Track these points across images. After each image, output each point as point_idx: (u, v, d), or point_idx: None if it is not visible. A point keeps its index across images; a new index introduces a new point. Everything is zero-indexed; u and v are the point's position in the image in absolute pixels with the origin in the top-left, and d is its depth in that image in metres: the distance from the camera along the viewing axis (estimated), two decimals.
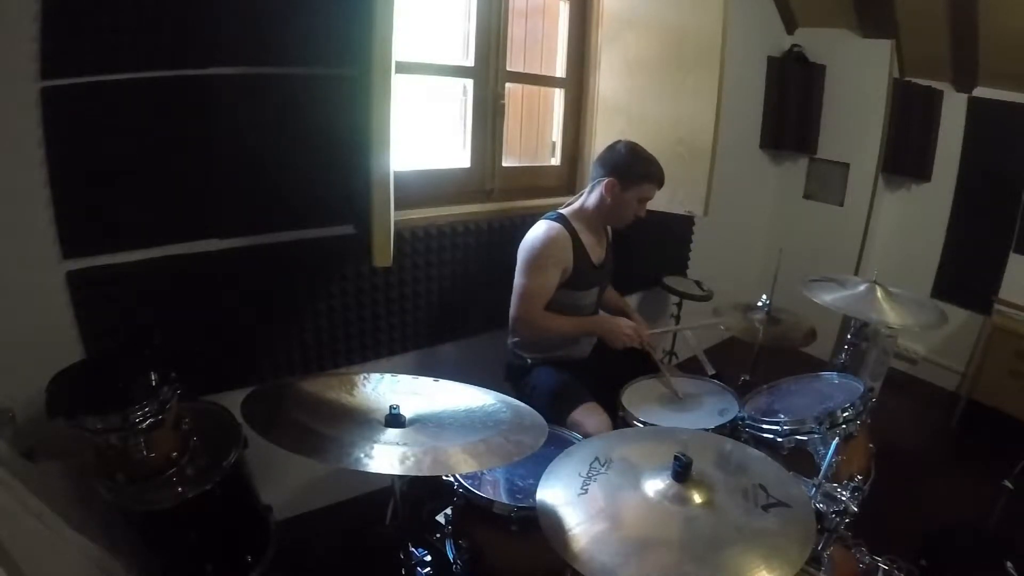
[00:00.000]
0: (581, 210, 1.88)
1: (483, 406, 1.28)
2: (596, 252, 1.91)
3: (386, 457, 1.03)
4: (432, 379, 1.38)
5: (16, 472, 1.10)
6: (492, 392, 1.34)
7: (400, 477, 1.24)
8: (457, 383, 1.37)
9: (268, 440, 1.06)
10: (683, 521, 0.96)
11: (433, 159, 2.20)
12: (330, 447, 1.05)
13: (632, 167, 1.80)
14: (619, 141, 1.87)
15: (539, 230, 1.81)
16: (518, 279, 1.80)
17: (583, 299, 1.89)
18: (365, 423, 1.17)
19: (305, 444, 1.05)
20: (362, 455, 1.03)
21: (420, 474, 1.03)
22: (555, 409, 1.67)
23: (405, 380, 1.37)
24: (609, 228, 2.02)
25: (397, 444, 1.08)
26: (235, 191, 1.64)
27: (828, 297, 1.91)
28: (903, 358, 3.31)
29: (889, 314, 1.86)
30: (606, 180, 1.81)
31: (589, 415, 1.66)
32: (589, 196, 1.88)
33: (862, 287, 1.96)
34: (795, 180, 3.50)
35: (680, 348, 2.73)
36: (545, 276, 1.77)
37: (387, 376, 1.36)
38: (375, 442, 1.08)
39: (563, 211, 1.88)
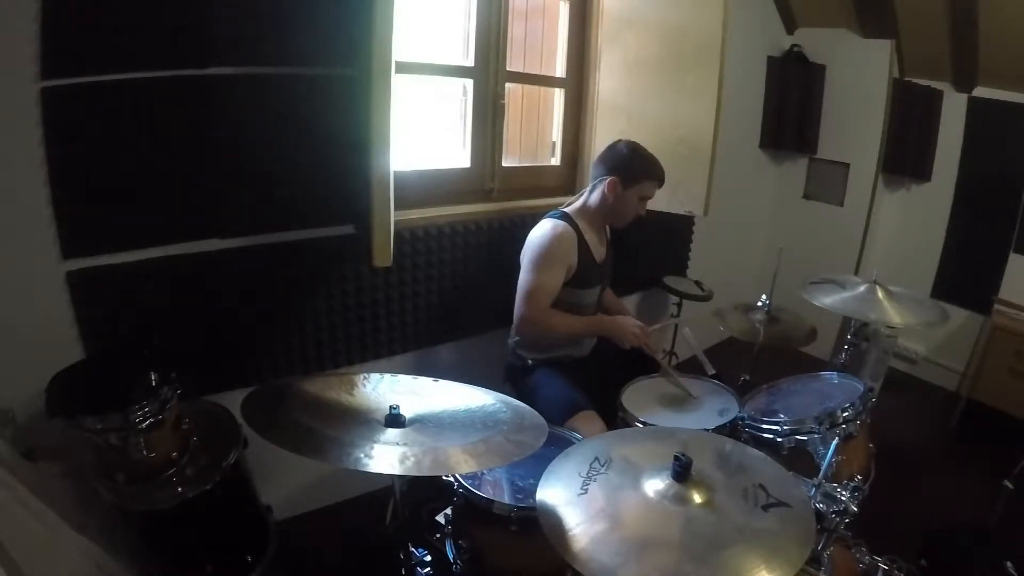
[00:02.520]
0: (584, 209, 1.89)
1: (483, 406, 1.28)
2: (598, 250, 1.92)
3: (386, 457, 1.03)
4: (432, 379, 1.37)
5: (16, 472, 1.10)
6: (492, 392, 1.34)
7: (400, 477, 1.24)
8: (457, 383, 1.37)
9: (268, 440, 1.06)
10: (683, 521, 0.96)
11: (433, 159, 2.20)
12: (330, 447, 1.05)
13: (633, 165, 1.81)
14: (620, 140, 1.88)
15: (545, 227, 1.82)
16: (524, 277, 1.80)
17: (586, 297, 1.89)
18: (365, 423, 1.17)
19: (305, 444, 1.05)
20: (362, 455, 1.03)
21: (420, 474, 1.03)
22: (554, 415, 1.67)
23: (405, 380, 1.37)
24: (608, 227, 2.02)
25: (397, 444, 1.08)
26: (235, 191, 1.63)
27: (828, 300, 1.91)
28: (903, 358, 3.31)
29: (890, 313, 1.86)
30: (608, 179, 1.82)
31: (586, 425, 1.65)
32: (591, 195, 1.88)
33: (862, 287, 1.96)
34: (795, 180, 3.50)
35: (680, 348, 2.73)
36: (552, 274, 1.78)
37: (387, 376, 1.36)
38: (375, 442, 1.08)
39: (566, 209, 1.89)
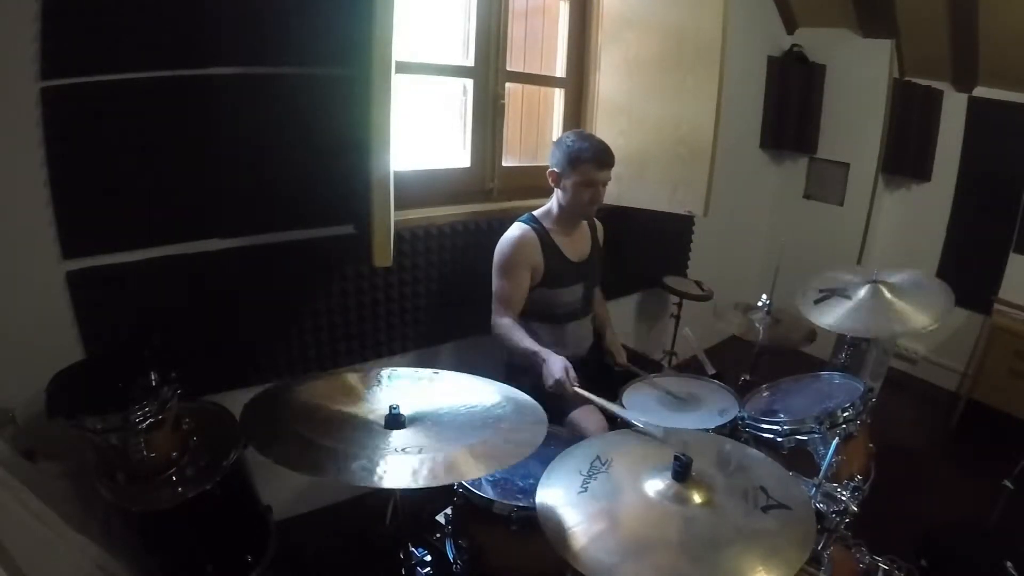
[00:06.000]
0: (549, 208, 1.90)
1: (483, 402, 1.27)
2: (574, 248, 1.91)
3: (399, 469, 1.00)
4: (432, 371, 1.37)
5: (16, 472, 1.10)
6: (490, 381, 1.34)
7: None
8: (457, 373, 1.37)
9: (268, 458, 1.02)
10: (683, 521, 0.96)
11: (433, 159, 2.19)
12: (333, 461, 1.01)
13: (562, 153, 1.79)
14: (568, 131, 1.88)
15: (509, 232, 1.84)
16: (493, 283, 1.83)
17: (563, 296, 1.88)
18: (365, 429, 1.14)
19: (307, 459, 1.02)
20: (373, 468, 0.99)
21: (435, 484, 0.98)
22: (555, 410, 1.67)
23: (405, 372, 1.36)
24: (596, 223, 2.02)
25: (403, 451, 1.05)
26: (235, 191, 1.63)
27: (831, 320, 1.86)
28: (903, 358, 3.31)
29: (894, 321, 1.83)
30: (547, 171, 1.84)
31: (588, 416, 1.67)
32: (554, 194, 1.90)
33: (863, 289, 1.92)
34: (795, 180, 3.50)
35: (680, 348, 2.73)
36: (511, 279, 1.80)
37: (386, 370, 1.35)
38: (380, 450, 1.05)
39: (536, 211, 1.91)
